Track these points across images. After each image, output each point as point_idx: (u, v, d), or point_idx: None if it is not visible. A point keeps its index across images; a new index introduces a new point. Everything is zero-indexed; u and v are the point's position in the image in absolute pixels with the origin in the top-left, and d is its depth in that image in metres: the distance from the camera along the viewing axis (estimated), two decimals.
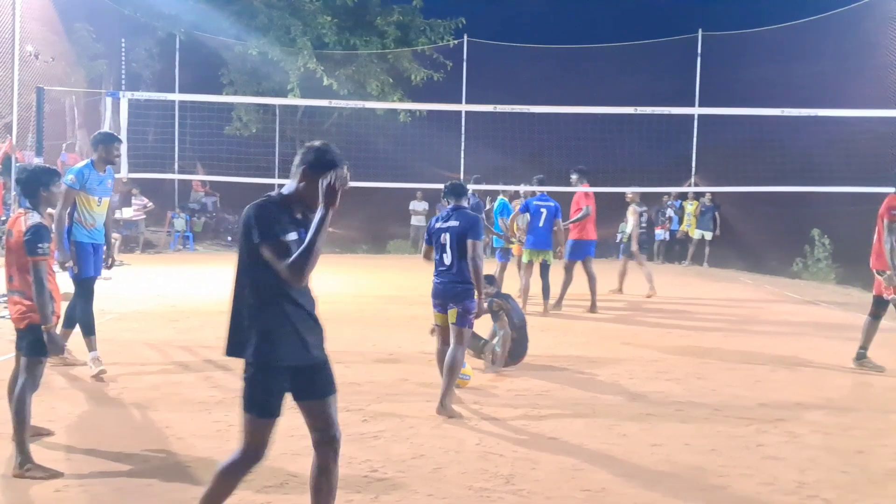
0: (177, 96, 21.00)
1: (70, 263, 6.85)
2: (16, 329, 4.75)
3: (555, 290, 11.33)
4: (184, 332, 9.12)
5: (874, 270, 7.82)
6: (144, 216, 20.20)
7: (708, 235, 20.11)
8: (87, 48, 19.93)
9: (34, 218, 4.68)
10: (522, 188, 12.41)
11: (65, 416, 5.64)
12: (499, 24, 27.49)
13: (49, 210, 5.19)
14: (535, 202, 11.13)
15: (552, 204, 11.16)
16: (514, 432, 5.58)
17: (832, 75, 18.02)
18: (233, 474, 3.46)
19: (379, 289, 13.60)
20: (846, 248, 16.63)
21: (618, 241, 14.29)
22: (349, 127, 22.21)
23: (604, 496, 4.45)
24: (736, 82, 20.63)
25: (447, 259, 6.18)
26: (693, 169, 21.47)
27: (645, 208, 13.73)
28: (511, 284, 11.62)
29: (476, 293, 6.11)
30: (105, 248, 7.25)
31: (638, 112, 14.44)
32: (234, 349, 3.42)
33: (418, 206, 22.29)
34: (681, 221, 20.97)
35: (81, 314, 6.89)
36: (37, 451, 4.65)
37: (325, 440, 3.49)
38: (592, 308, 11.43)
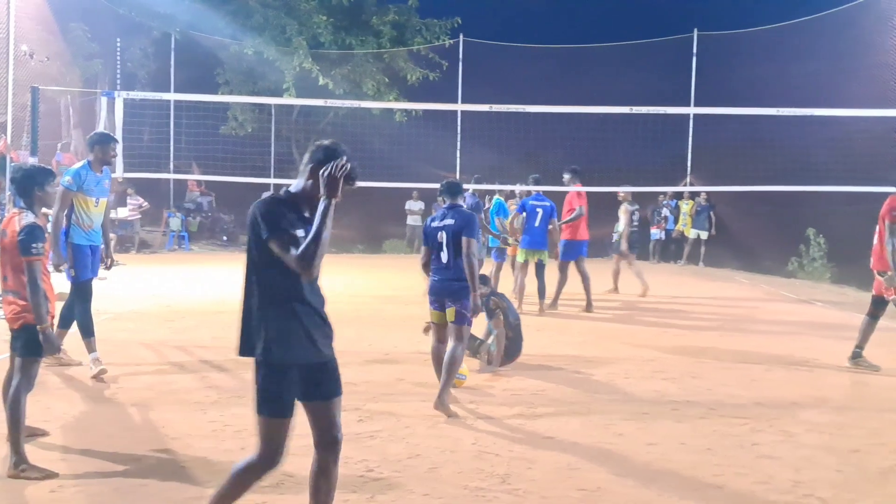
0: (172, 96, 20.98)
1: (64, 266, 6.80)
2: (10, 329, 4.74)
3: (550, 289, 11.34)
4: (179, 332, 9.11)
5: (875, 271, 7.83)
6: (140, 216, 20.18)
7: (703, 235, 20.14)
8: (83, 48, 19.90)
9: (28, 218, 4.67)
10: (518, 188, 12.40)
11: (60, 416, 5.63)
12: (494, 23, 27.52)
13: (44, 210, 5.17)
14: (531, 202, 11.14)
15: (548, 204, 11.17)
16: (510, 432, 5.58)
17: (827, 75, 18.06)
18: (247, 477, 3.44)
19: (375, 288, 13.60)
20: (841, 248, 16.67)
21: (613, 240, 14.31)
22: (345, 127, 22.19)
23: (599, 495, 4.46)
24: (731, 82, 20.67)
25: (444, 257, 6.21)
26: (688, 168, 21.50)
27: (637, 207, 13.76)
28: (507, 284, 11.64)
29: (472, 290, 6.13)
30: (104, 248, 7.22)
31: (633, 112, 14.45)
32: (245, 349, 3.41)
33: (414, 205, 22.29)
34: (676, 221, 21.00)
35: (80, 316, 6.85)
36: (32, 452, 4.64)
37: (327, 441, 3.49)
38: (588, 307, 11.44)
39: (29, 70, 15.01)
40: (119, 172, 11.10)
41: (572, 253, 11.71)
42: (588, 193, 14.07)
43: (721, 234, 20.31)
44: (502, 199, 12.59)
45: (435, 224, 6.36)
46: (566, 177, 11.99)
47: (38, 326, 4.59)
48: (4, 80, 11.53)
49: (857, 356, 7.94)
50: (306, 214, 3.35)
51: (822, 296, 14.25)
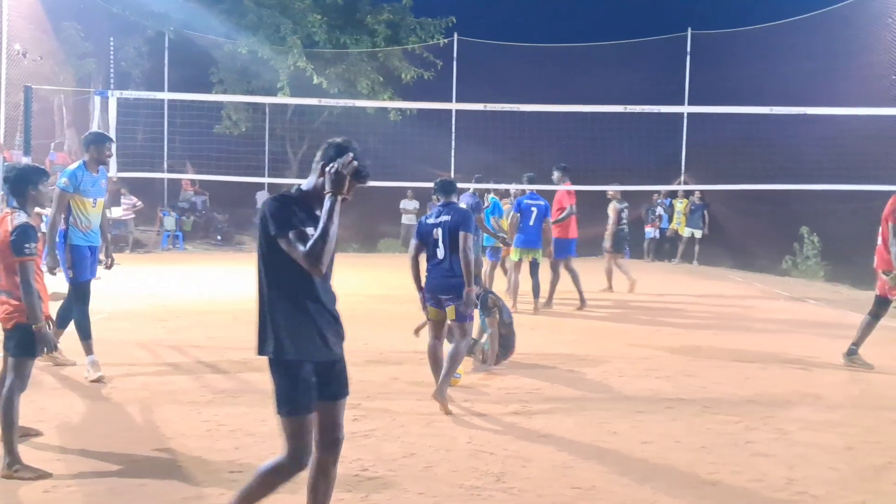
0: (166, 95, 20.95)
1: (58, 269, 6.74)
2: (3, 329, 4.73)
3: (543, 287, 11.34)
4: (174, 331, 9.10)
5: (879, 270, 7.84)
6: (134, 215, 20.13)
7: (698, 233, 20.17)
8: (76, 47, 19.85)
9: (21, 217, 4.65)
10: (513, 187, 12.40)
11: (54, 416, 5.62)
12: (489, 22, 27.59)
13: (37, 209, 5.16)
14: (525, 201, 11.14)
15: (542, 203, 11.18)
16: (504, 430, 5.59)
17: (821, 73, 18.12)
18: (273, 479, 3.39)
19: (369, 288, 13.58)
20: (835, 246, 16.74)
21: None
22: (339, 126, 22.15)
23: (594, 493, 4.46)
24: (725, 81, 20.71)
25: (440, 253, 6.25)
26: (683, 167, 21.53)
27: (626, 205, 13.77)
28: (501, 283, 11.65)
29: (466, 284, 6.17)
30: (104, 248, 7.18)
31: (627, 110, 14.46)
32: (261, 348, 3.41)
33: (409, 204, 22.28)
34: (670, 219, 21.04)
35: (78, 318, 6.81)
36: (25, 452, 4.63)
37: (328, 441, 3.48)
38: (582, 304, 11.47)
39: (22, 69, 14.96)
40: (113, 172, 11.06)
41: (564, 251, 11.74)
42: (583, 192, 14.12)
43: (715, 233, 20.35)
44: (497, 198, 12.58)
45: (430, 221, 6.39)
46: (555, 175, 11.99)
47: (33, 326, 4.58)
48: None
49: (852, 353, 7.95)
50: (317, 212, 3.33)
51: (815, 294, 14.28)
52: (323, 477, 3.51)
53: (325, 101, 17.94)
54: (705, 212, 20.17)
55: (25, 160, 9.66)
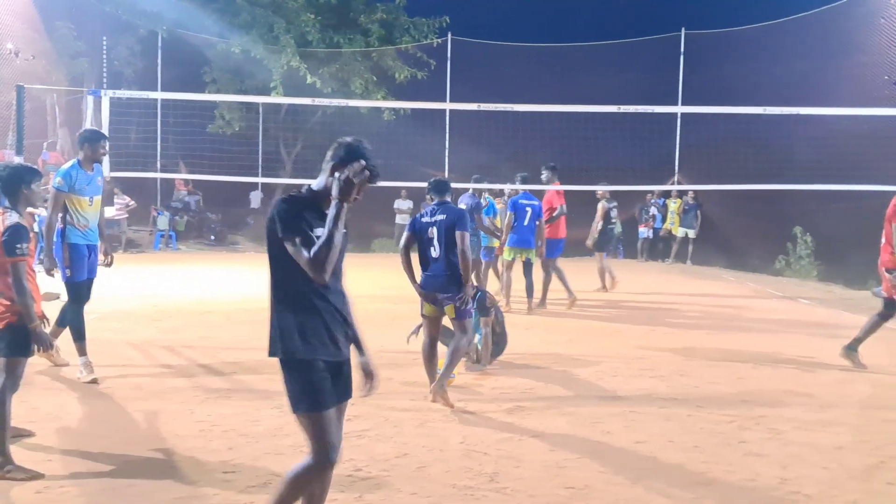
0: (159, 94, 20.89)
1: (56, 271, 6.69)
2: None
3: (537, 287, 11.35)
4: (166, 331, 9.07)
5: (884, 269, 7.86)
6: (127, 215, 20.07)
7: (691, 233, 20.21)
8: (69, 46, 19.79)
9: (12, 218, 4.63)
10: (508, 187, 12.40)
11: (46, 416, 5.59)
12: (482, 22, 27.58)
13: (29, 209, 5.14)
14: (520, 200, 11.13)
15: (536, 203, 11.18)
16: (498, 430, 5.59)
17: (813, 74, 18.18)
18: (303, 481, 3.33)
19: (364, 287, 13.54)
20: (828, 246, 16.80)
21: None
22: (333, 125, 22.08)
23: (587, 493, 4.46)
24: (718, 81, 20.75)
25: (434, 252, 6.31)
26: (676, 167, 21.56)
27: (615, 204, 13.79)
28: (492, 284, 11.65)
29: (464, 282, 6.29)
30: (103, 246, 7.13)
31: (621, 111, 14.49)
32: (272, 349, 3.37)
33: (403, 204, 22.27)
34: (664, 219, 21.07)
35: (72, 318, 6.77)
36: (17, 452, 4.61)
37: None
38: (570, 297, 11.51)
39: (14, 68, 14.93)
40: (106, 172, 11.01)
41: (554, 250, 11.77)
42: (576, 192, 14.14)
43: (709, 233, 20.39)
44: (491, 198, 12.58)
45: (425, 219, 6.44)
46: (544, 175, 11.98)
47: (29, 326, 4.56)
48: None
49: (852, 349, 7.90)
50: (327, 213, 3.31)
51: (808, 293, 14.32)
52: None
53: (318, 101, 17.94)
54: (698, 212, 20.21)
55: (18, 160, 9.63)
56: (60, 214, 6.75)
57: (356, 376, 3.55)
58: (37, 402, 5.85)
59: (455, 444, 5.26)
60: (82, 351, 6.72)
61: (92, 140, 6.94)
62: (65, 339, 6.93)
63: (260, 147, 23.45)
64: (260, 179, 22.66)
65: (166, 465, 4.74)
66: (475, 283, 7.93)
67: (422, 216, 6.54)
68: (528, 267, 11.14)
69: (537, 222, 11.08)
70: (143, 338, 8.59)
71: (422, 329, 6.63)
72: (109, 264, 7.26)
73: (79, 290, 6.82)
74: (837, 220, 16.28)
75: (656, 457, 5.10)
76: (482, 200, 11.52)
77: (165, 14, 20.81)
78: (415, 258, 6.52)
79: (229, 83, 22.80)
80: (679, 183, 20.93)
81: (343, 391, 3.45)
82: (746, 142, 19.12)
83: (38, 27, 18.12)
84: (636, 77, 22.01)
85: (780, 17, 19.96)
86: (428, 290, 6.35)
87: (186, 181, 23.41)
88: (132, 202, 20.13)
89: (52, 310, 7.97)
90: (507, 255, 11.19)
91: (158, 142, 22.20)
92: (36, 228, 13.89)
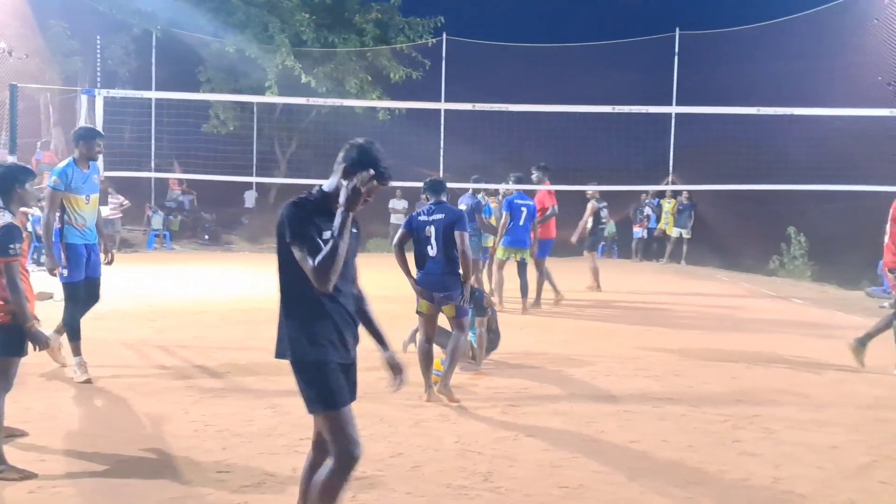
0: (153, 94, 20.84)
1: (59, 270, 6.62)
2: None
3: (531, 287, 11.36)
4: (161, 331, 9.05)
5: (886, 270, 7.87)
6: (121, 215, 20.01)
7: (686, 233, 20.24)
8: (62, 45, 19.73)
9: (6, 217, 4.61)
10: (503, 187, 12.39)
11: (40, 416, 5.58)
12: (477, 22, 27.63)
13: (22, 208, 5.12)
14: (515, 201, 11.12)
15: (531, 203, 11.19)
16: (492, 430, 5.59)
17: (807, 74, 18.22)
18: (333, 484, 3.28)
19: None
20: (822, 246, 16.84)
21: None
22: (327, 125, 22.12)
23: (581, 492, 4.47)
24: (713, 81, 20.78)
25: (432, 251, 6.35)
26: (671, 167, 21.58)
27: (604, 204, 13.83)
28: (485, 283, 11.65)
29: (463, 281, 6.39)
30: (102, 245, 7.07)
31: (616, 111, 14.50)
32: (280, 351, 3.35)
33: (398, 204, 22.25)
34: (659, 219, 21.09)
35: (68, 318, 6.72)
36: (10, 452, 4.60)
37: (327, 444, 3.41)
38: (557, 296, 11.67)
39: (7, 67, 14.89)
40: (100, 171, 10.99)
41: (547, 250, 11.80)
42: (569, 192, 14.15)
43: (703, 233, 20.41)
44: (485, 197, 12.58)
45: (422, 218, 6.48)
46: (535, 175, 11.97)
47: (25, 325, 4.55)
48: None
49: (862, 344, 7.87)
50: None
51: (802, 293, 14.35)
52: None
53: (313, 101, 17.90)
54: (693, 212, 20.24)
55: (11, 159, 9.60)
56: (58, 214, 6.71)
57: (361, 374, 3.52)
58: (30, 402, 5.83)
59: (449, 443, 5.26)
60: (77, 351, 6.70)
61: (87, 138, 6.88)
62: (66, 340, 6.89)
63: (254, 147, 23.43)
64: (254, 179, 22.64)
65: (160, 465, 4.73)
66: (474, 283, 7.95)
67: (418, 214, 6.56)
68: (522, 267, 11.14)
69: (532, 222, 11.09)
70: (137, 337, 8.57)
71: (419, 327, 6.64)
72: (110, 262, 7.22)
73: (75, 291, 6.76)
74: (831, 220, 16.33)
75: (650, 456, 5.11)
76: (481, 200, 11.53)
77: (160, 13, 20.76)
78: (409, 257, 6.55)
79: (224, 82, 22.76)
80: (673, 183, 20.95)
81: (351, 394, 3.42)
82: (740, 142, 19.16)
83: (32, 26, 18.08)
84: (631, 77, 22.03)
85: (775, 18, 20.02)
86: (425, 288, 6.40)
87: (181, 181, 23.36)
88: (126, 201, 20.06)
89: (45, 310, 7.98)
90: (500, 254, 11.18)
91: (153, 141, 22.15)
92: (29, 228, 13.87)
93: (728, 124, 18.58)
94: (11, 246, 4.52)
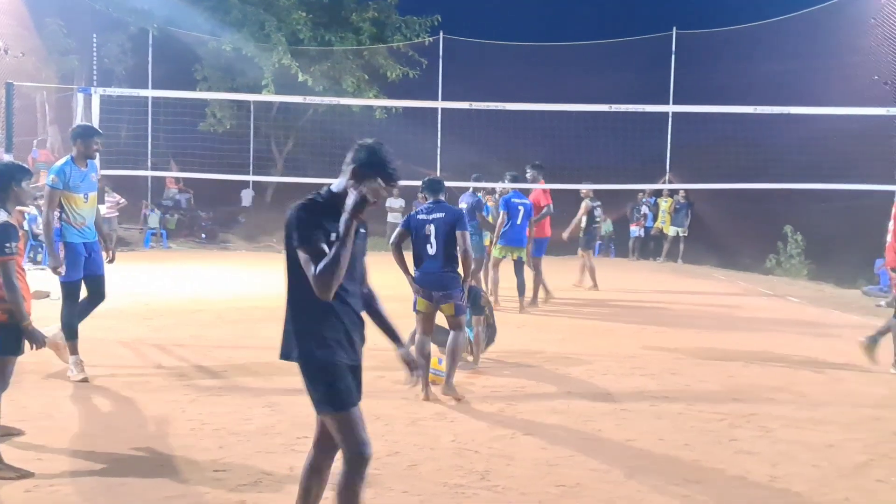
0: (150, 92, 20.78)
1: (61, 269, 6.58)
2: None
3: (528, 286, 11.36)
4: (157, 330, 9.04)
5: (890, 268, 7.88)
6: (117, 213, 19.97)
7: (682, 232, 20.25)
8: (58, 43, 19.69)
9: (2, 216, 4.60)
10: (500, 186, 12.39)
11: (36, 415, 5.57)
12: (474, 21, 27.55)
13: (18, 207, 5.11)
14: (512, 199, 11.11)
15: (528, 202, 11.18)
16: (489, 428, 5.59)
17: (804, 73, 18.24)
18: (350, 486, 3.26)
19: None
20: (818, 245, 16.87)
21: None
22: (324, 123, 22.09)
23: (578, 491, 4.47)
24: (709, 80, 20.78)
25: (431, 249, 6.38)
26: (667, 166, 21.59)
27: (598, 203, 13.85)
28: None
29: (463, 279, 6.48)
30: (102, 243, 7.04)
31: (613, 109, 14.49)
32: (285, 352, 3.33)
33: (394, 203, 22.23)
34: (655, 218, 21.10)
35: (65, 317, 6.68)
36: (7, 451, 4.59)
37: (330, 445, 3.41)
38: (547, 295, 11.74)
39: (3, 65, 14.86)
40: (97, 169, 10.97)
41: (541, 249, 11.81)
42: (565, 191, 14.17)
43: (700, 232, 20.42)
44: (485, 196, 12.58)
45: (421, 217, 6.50)
46: (529, 174, 11.96)
47: (22, 324, 4.54)
48: None
49: (873, 341, 7.85)
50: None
51: (799, 292, 14.37)
52: (317, 478, 3.47)
53: (310, 99, 17.87)
54: (689, 211, 20.25)
55: (8, 157, 9.57)
56: (57, 213, 6.68)
57: (370, 371, 3.51)
58: (27, 401, 5.82)
59: (446, 442, 5.26)
60: (74, 350, 6.68)
61: (85, 136, 6.84)
62: (82, 338, 6.85)
63: (251, 145, 23.37)
64: (251, 178, 22.58)
65: (157, 464, 4.73)
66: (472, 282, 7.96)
67: (417, 213, 6.57)
68: (519, 266, 11.14)
69: (529, 221, 11.09)
70: (134, 336, 8.56)
71: (416, 325, 6.65)
72: (112, 260, 7.20)
73: (73, 290, 6.74)
74: (828, 219, 16.37)
75: (647, 454, 5.12)
76: (482, 198, 11.53)
77: (156, 11, 20.71)
78: (407, 256, 6.56)
79: (220, 81, 22.72)
80: (670, 182, 20.96)
81: (357, 394, 3.39)
82: (737, 141, 19.18)
83: (28, 24, 18.03)
84: (627, 76, 22.04)
85: (771, 17, 20.02)
86: (423, 286, 6.41)
87: (177, 179, 23.30)
88: (123, 200, 20.02)
89: (42, 308, 7.97)
90: (497, 253, 11.18)
91: (149, 140, 22.10)
92: (26, 227, 13.85)
93: (725, 123, 18.60)
94: (7, 245, 4.51)
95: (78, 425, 5.47)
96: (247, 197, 25.11)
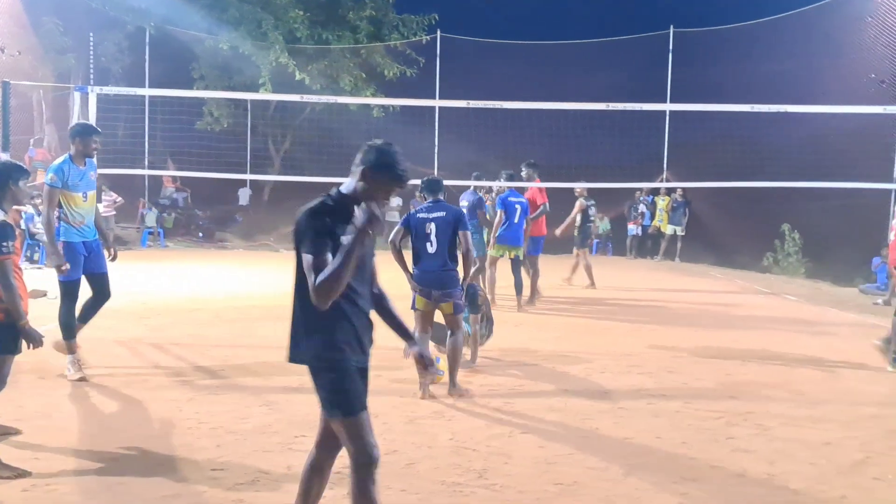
0: (147, 91, 20.76)
1: (66, 266, 6.54)
2: None
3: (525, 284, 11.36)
4: (155, 329, 9.03)
5: (892, 268, 7.90)
6: (115, 212, 19.94)
7: (680, 231, 20.25)
8: (55, 42, 19.65)
9: None
10: (496, 184, 12.39)
11: (33, 414, 5.56)
12: (472, 20, 27.55)
13: (14, 206, 5.10)
14: (509, 198, 11.10)
15: (524, 200, 11.18)
16: (487, 427, 5.59)
17: (801, 72, 18.28)
18: (363, 489, 3.23)
19: None
20: (816, 243, 16.89)
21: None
22: (321, 122, 22.09)
23: (576, 489, 4.47)
24: (707, 79, 20.81)
25: (431, 247, 6.42)
26: (665, 164, 21.61)
27: (592, 202, 13.87)
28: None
29: (462, 279, 6.56)
30: (103, 241, 7.00)
31: (610, 108, 14.50)
32: (294, 355, 3.30)
33: (392, 201, 22.22)
34: (653, 217, 21.10)
35: (64, 316, 6.66)
36: (4, 451, 4.59)
37: (333, 446, 3.41)
38: (537, 294, 11.64)
39: (0, 64, 14.81)
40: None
41: (539, 248, 11.81)
42: (562, 189, 14.16)
43: (697, 230, 20.43)
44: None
45: (421, 215, 6.53)
46: (524, 172, 11.94)
47: (18, 323, 4.53)
48: None
49: (887, 342, 7.85)
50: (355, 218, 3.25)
51: (796, 290, 14.39)
52: (318, 477, 3.47)
53: (307, 98, 17.85)
54: (687, 209, 20.26)
55: (4, 156, 9.55)
56: (56, 212, 6.65)
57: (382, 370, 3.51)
58: (24, 401, 5.81)
59: (444, 440, 5.26)
60: (71, 349, 6.67)
61: (83, 134, 6.81)
62: (88, 345, 6.84)
63: (248, 144, 23.35)
64: (248, 176, 22.57)
65: (154, 463, 4.73)
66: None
67: (417, 212, 6.60)
68: (516, 264, 11.13)
69: (525, 219, 11.08)
70: (131, 335, 8.55)
71: (415, 323, 6.65)
72: (113, 259, 7.19)
73: (71, 289, 6.72)
74: (825, 217, 16.39)
75: (645, 453, 5.12)
76: (483, 197, 11.53)
77: (153, 10, 20.67)
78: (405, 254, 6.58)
79: (217, 80, 22.70)
80: (667, 180, 20.97)
81: (365, 398, 3.38)
82: (734, 139, 19.20)
83: (24, 23, 18.01)
84: (625, 75, 22.05)
85: (768, 16, 20.05)
86: (423, 285, 6.43)
87: (174, 178, 23.30)
88: (120, 199, 20.00)
89: (39, 308, 7.97)
90: (495, 252, 11.16)
91: (146, 138, 22.09)
92: (22, 226, 13.82)
93: (722, 122, 18.60)
94: (4, 244, 4.50)
95: (75, 424, 5.46)
96: (244, 196, 25.10)
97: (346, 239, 3.13)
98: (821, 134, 16.32)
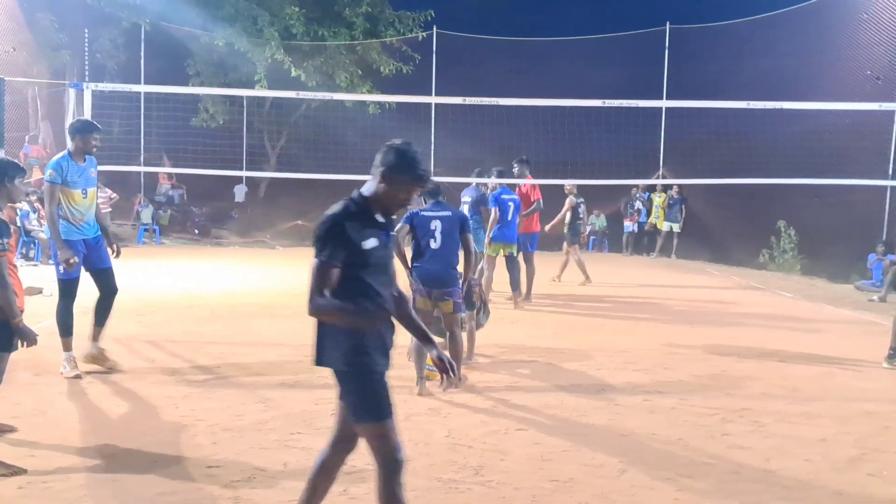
0: (142, 87, 20.72)
1: (74, 260, 6.50)
2: None
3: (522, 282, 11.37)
4: (150, 326, 9.02)
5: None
6: (110, 209, 19.89)
7: (676, 227, 20.26)
8: (50, 38, 19.59)
9: None
10: (491, 181, 12.39)
11: (29, 412, 5.55)
12: (467, 16, 27.50)
13: (9, 204, 5.09)
14: (502, 196, 11.08)
15: (516, 197, 11.16)
16: (482, 424, 5.60)
17: (797, 68, 18.30)
18: (390, 490, 3.23)
19: None
20: (812, 240, 16.92)
21: (587, 233, 14.47)
22: (317, 119, 22.07)
23: (572, 485, 4.48)
24: (703, 75, 20.84)
25: (434, 245, 6.47)
26: (661, 161, 21.62)
27: (582, 200, 13.88)
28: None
29: (463, 278, 6.61)
30: (106, 238, 6.99)
31: (606, 105, 14.50)
32: (321, 359, 3.30)
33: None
34: (649, 214, 21.11)
35: (61, 314, 6.64)
36: (0, 448, 4.59)
37: (345, 448, 3.42)
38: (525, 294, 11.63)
39: None
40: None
41: (534, 244, 11.81)
42: (557, 187, 14.17)
43: (694, 227, 20.44)
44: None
45: (425, 213, 6.59)
46: (516, 168, 11.92)
47: (12, 321, 4.52)
48: None
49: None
50: (379, 219, 3.27)
51: (792, 287, 14.41)
52: (326, 477, 3.47)
53: (303, 94, 17.81)
54: (683, 206, 20.28)
55: None
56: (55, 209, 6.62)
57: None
58: (20, 398, 5.81)
59: (440, 437, 5.27)
60: (67, 346, 6.66)
61: (84, 131, 6.76)
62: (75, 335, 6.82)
63: (244, 140, 23.33)
64: (244, 173, 22.54)
65: (150, 460, 4.72)
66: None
67: (420, 211, 6.65)
68: (511, 261, 11.12)
69: (518, 216, 11.08)
70: (126, 332, 8.52)
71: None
72: (117, 255, 7.17)
73: (69, 287, 6.69)
74: (821, 214, 16.41)
75: (640, 449, 5.13)
76: (485, 193, 11.51)
77: (148, 6, 20.62)
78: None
79: (213, 76, 22.65)
80: (664, 177, 20.99)
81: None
82: (731, 136, 19.20)
83: (19, 19, 17.96)
84: (621, 71, 22.04)
85: (765, 12, 20.06)
86: (424, 283, 6.45)
87: (170, 175, 23.26)
88: (115, 195, 19.94)
89: (35, 305, 7.94)
90: (491, 251, 11.14)
91: (142, 135, 22.05)
92: (18, 223, 13.79)
93: (718, 118, 18.61)
94: (0, 241, 4.50)
95: (71, 422, 5.45)
96: (240, 192, 25.07)
97: (368, 244, 3.16)
98: (817, 131, 16.34)
